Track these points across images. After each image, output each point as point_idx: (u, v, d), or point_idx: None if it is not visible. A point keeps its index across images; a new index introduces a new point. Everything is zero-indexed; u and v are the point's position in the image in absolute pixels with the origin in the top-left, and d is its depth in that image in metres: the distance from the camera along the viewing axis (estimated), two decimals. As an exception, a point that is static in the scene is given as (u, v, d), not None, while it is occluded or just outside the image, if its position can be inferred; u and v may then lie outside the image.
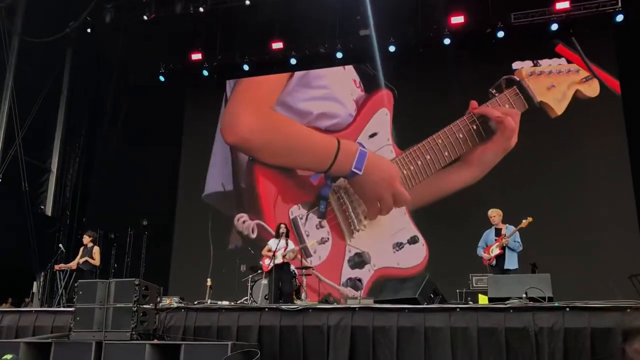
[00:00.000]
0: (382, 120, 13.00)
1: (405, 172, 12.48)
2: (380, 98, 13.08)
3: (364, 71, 13.33)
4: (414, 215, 12.25)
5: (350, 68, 13.50)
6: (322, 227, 12.59)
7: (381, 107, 13.07)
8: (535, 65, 12.09)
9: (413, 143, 12.52)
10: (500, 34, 11.91)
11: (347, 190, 12.72)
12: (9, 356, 5.27)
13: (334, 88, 13.49)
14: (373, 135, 12.81)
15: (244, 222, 13.17)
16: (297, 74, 13.73)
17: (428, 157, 12.33)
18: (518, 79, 12.10)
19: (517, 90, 12.06)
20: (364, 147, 12.78)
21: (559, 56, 11.99)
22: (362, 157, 12.69)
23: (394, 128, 12.85)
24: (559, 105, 11.85)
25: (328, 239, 12.50)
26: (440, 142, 12.33)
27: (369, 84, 13.23)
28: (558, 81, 11.95)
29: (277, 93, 13.75)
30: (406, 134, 12.73)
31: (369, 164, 12.69)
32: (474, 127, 12.16)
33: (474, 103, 12.27)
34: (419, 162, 12.39)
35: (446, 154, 12.27)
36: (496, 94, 12.13)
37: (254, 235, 13.02)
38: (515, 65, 12.17)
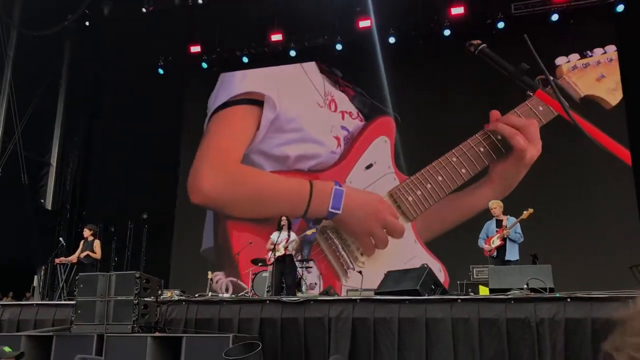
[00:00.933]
0: (380, 148, 12.44)
1: (410, 198, 11.88)
2: (377, 127, 12.55)
3: (362, 101, 12.79)
4: (440, 242, 11.53)
5: (343, 100, 12.88)
6: (309, 272, 11.49)
7: (378, 135, 12.54)
8: (583, 57, 11.41)
9: (422, 166, 11.92)
10: (501, 25, 11.84)
11: (336, 229, 12.14)
12: (8, 349, 5.28)
13: (309, 128, 12.91)
14: (369, 166, 12.01)
15: (217, 281, 12.34)
16: (265, 120, 13.16)
17: (440, 178, 11.68)
18: (552, 78, 11.33)
19: (553, 90, 11.30)
20: (340, 185, 12.14)
21: (610, 41, 11.33)
22: (338, 196, 12.10)
23: (398, 153, 12.21)
24: (612, 96, 11.11)
25: (316, 284, 11.71)
26: (455, 160, 11.66)
27: (369, 112, 12.69)
28: (610, 70, 11.29)
29: (243, 145, 13.22)
30: (412, 157, 12.13)
31: (350, 201, 12.12)
32: (488, 143, 11.56)
33: (494, 114, 11.63)
34: (428, 186, 11.78)
35: (463, 171, 11.61)
36: (532, 95, 11.46)
37: (227, 294, 12.04)
38: (558, 60, 11.50)
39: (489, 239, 8.07)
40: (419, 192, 11.90)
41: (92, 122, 14.76)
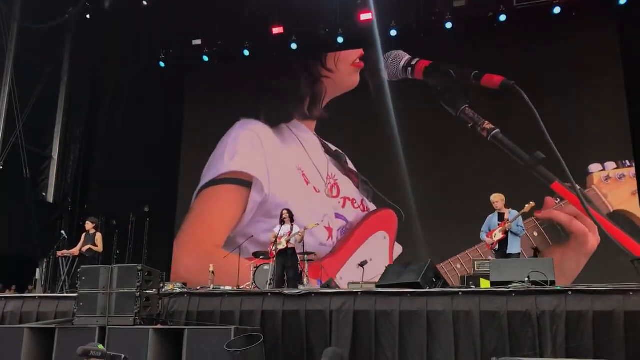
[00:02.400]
0: (378, 244, 11.86)
1: None
2: (378, 220, 12.04)
3: (366, 190, 12.26)
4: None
5: (347, 185, 12.42)
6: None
7: (377, 230, 11.99)
8: (620, 166, 10.55)
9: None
10: (503, 18, 11.80)
11: None
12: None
13: (299, 216, 11.72)
14: (364, 263, 10.29)
15: None
16: (252, 203, 12.84)
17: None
18: (579, 188, 10.57)
19: (581, 203, 10.54)
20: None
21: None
22: None
23: (400, 249, 11.63)
24: None
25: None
26: (460, 267, 10.78)
27: (373, 202, 12.23)
28: None
29: (228, 228, 12.92)
30: (415, 255, 11.25)
31: None
32: (535, 234, 10.60)
33: (549, 200, 10.73)
34: None
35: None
36: (560, 203, 10.76)
37: None
38: (592, 168, 10.74)
39: (491, 232, 8.08)
40: None
41: (93, 115, 14.73)
